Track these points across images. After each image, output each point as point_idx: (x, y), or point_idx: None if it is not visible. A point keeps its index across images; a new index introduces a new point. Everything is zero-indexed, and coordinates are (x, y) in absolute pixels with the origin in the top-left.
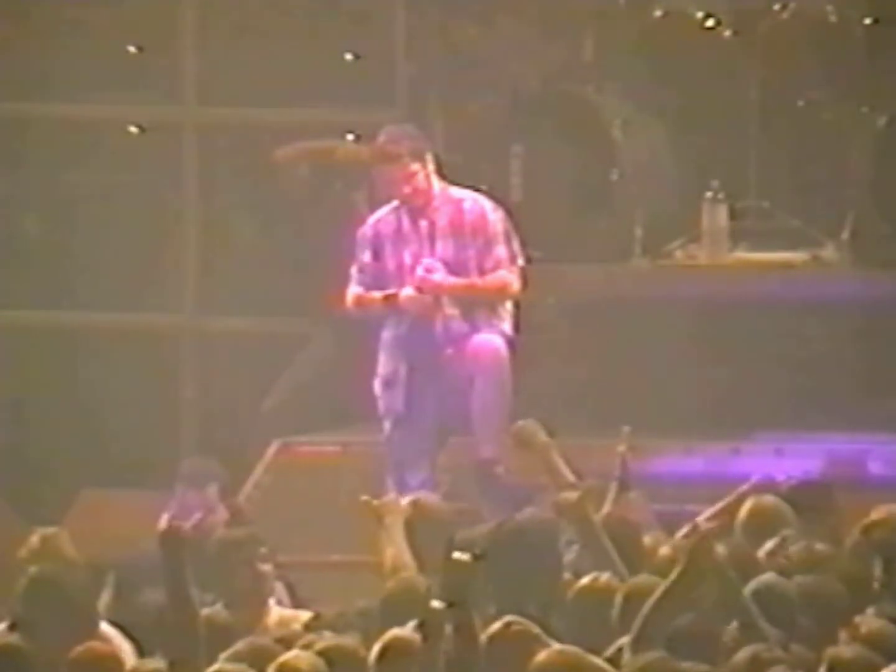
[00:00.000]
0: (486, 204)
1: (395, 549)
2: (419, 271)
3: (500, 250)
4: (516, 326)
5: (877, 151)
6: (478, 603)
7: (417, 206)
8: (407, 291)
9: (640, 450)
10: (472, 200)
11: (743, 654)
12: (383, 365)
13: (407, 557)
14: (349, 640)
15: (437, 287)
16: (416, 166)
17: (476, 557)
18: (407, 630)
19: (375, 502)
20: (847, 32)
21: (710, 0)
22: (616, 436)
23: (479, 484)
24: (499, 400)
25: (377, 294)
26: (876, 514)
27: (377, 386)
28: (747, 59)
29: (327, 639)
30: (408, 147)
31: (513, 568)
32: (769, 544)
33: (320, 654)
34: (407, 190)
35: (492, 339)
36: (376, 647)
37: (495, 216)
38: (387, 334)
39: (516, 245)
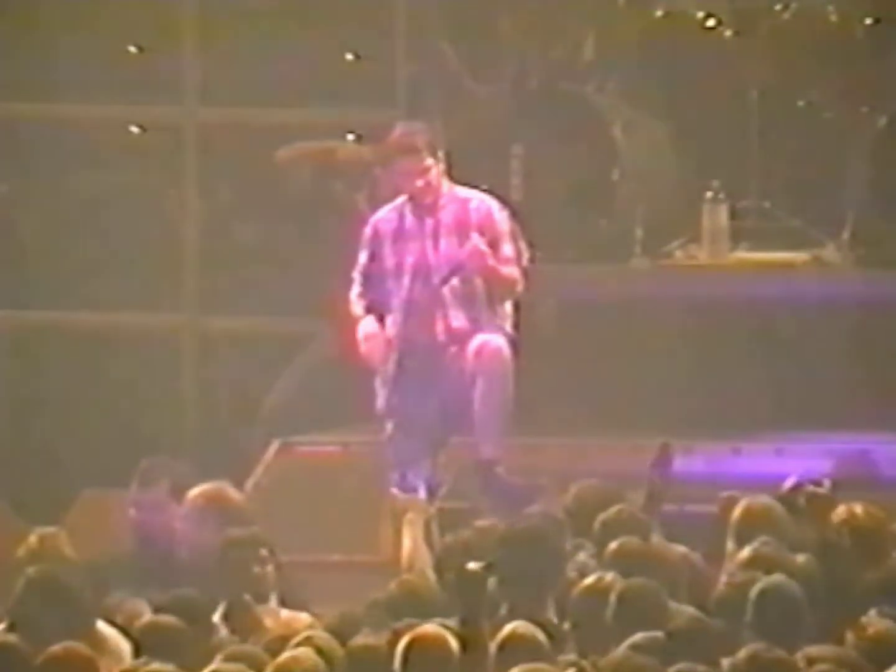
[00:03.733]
0: (493, 203)
1: (413, 545)
2: (469, 244)
3: (507, 249)
4: (516, 327)
5: (877, 151)
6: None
7: (424, 204)
8: (364, 325)
9: (641, 450)
10: (479, 200)
11: (743, 654)
12: (389, 363)
13: (423, 554)
14: (373, 639)
15: (485, 260)
16: (430, 161)
17: (487, 568)
18: (432, 626)
19: (401, 498)
20: (847, 32)
21: (710, 0)
22: (616, 436)
23: (480, 484)
24: (500, 400)
25: (359, 309)
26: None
27: (378, 385)
28: (748, 59)
29: (324, 639)
30: (424, 141)
31: (524, 569)
32: (746, 549)
33: (348, 652)
34: (420, 184)
35: (495, 338)
36: (403, 642)
37: (501, 215)
38: (389, 333)
39: (522, 244)
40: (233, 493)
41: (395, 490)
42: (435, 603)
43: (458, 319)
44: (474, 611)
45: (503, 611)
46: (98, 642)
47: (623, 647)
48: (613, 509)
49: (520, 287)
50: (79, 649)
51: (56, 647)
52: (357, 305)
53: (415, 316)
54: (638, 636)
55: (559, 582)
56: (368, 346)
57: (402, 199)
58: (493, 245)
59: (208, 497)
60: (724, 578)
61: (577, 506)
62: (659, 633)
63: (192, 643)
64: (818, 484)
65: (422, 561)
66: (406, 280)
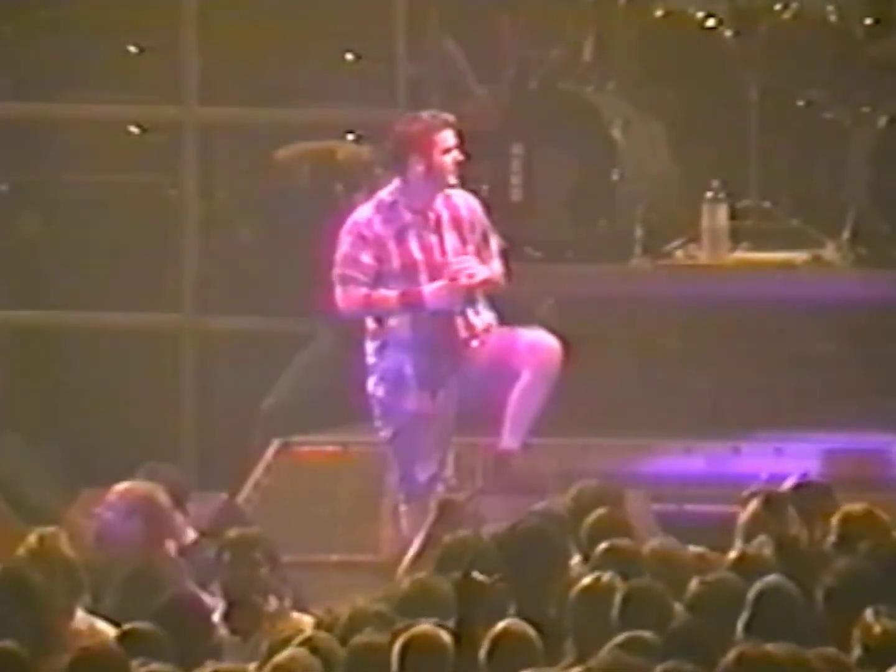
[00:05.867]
0: (472, 198)
1: (416, 538)
2: (455, 263)
3: (493, 243)
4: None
5: (877, 151)
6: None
7: (424, 198)
8: (432, 287)
9: (640, 449)
10: (461, 196)
11: (730, 654)
12: (404, 363)
13: (428, 551)
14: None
15: (472, 279)
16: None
17: (494, 581)
18: (430, 625)
19: (406, 487)
20: (847, 32)
21: (710, 0)
22: (616, 436)
23: (494, 473)
24: (541, 398)
25: (389, 293)
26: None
27: (389, 385)
28: (747, 59)
29: (324, 639)
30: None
31: (527, 569)
32: (733, 551)
33: (349, 652)
34: (463, 157)
35: (549, 337)
36: (400, 642)
37: (482, 209)
38: (403, 333)
39: (498, 236)
40: (164, 498)
41: (400, 481)
42: (447, 603)
43: (472, 313)
44: (472, 615)
45: (511, 611)
46: (76, 639)
47: (607, 648)
48: (600, 511)
49: (503, 281)
50: (111, 648)
51: (88, 645)
52: (382, 293)
53: (437, 313)
54: (621, 636)
55: (563, 580)
56: (434, 291)
57: (388, 197)
58: (484, 240)
59: (139, 496)
60: (696, 579)
61: (576, 506)
62: (645, 633)
63: (184, 647)
64: (777, 485)
65: (423, 563)
66: (423, 278)
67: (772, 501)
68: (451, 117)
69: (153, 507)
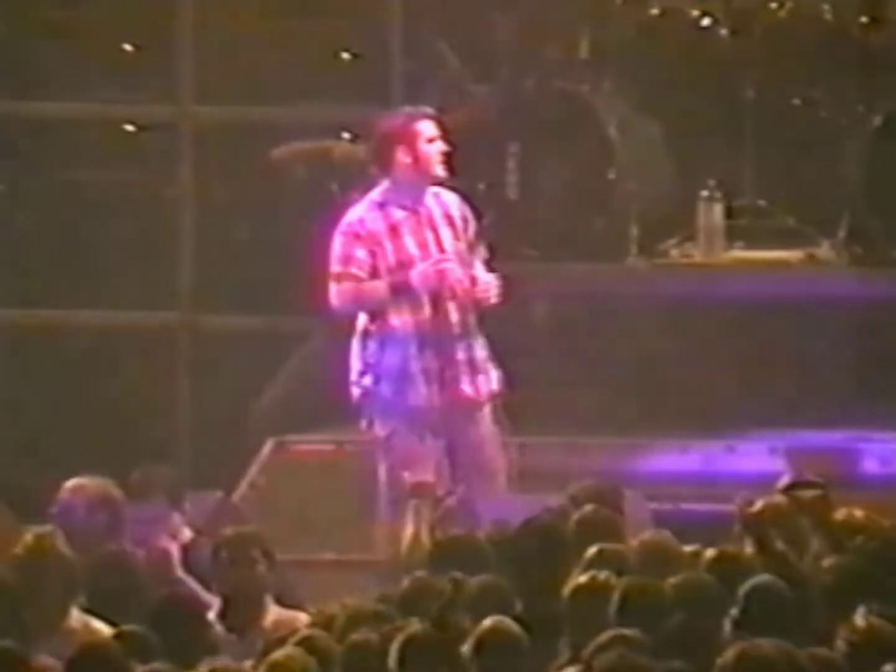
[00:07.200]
0: (459, 197)
1: (415, 535)
2: (483, 285)
3: (482, 243)
4: None
5: (873, 150)
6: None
7: (414, 194)
8: (418, 269)
9: (636, 448)
10: (449, 194)
11: (730, 653)
12: (408, 359)
13: (423, 546)
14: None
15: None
16: None
17: (457, 582)
18: (425, 625)
19: (411, 480)
20: (842, 31)
21: None
22: (614, 435)
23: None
24: None
25: (378, 283)
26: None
27: (393, 382)
28: (744, 57)
29: (321, 637)
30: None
31: (539, 566)
32: (710, 550)
33: (345, 650)
34: (448, 147)
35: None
36: (399, 640)
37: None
38: (403, 331)
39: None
40: (117, 492)
41: (393, 481)
42: None
43: (468, 310)
44: (449, 614)
45: (519, 609)
46: (72, 638)
47: (592, 646)
48: (588, 508)
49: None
50: (111, 646)
51: (89, 641)
52: (372, 284)
53: (433, 310)
54: (606, 635)
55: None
56: (420, 273)
57: (378, 198)
58: (475, 239)
59: (95, 491)
60: (670, 580)
61: (574, 505)
62: (629, 631)
63: (180, 645)
64: (750, 502)
65: (421, 552)
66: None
67: (746, 518)
68: (429, 109)
69: (110, 501)
